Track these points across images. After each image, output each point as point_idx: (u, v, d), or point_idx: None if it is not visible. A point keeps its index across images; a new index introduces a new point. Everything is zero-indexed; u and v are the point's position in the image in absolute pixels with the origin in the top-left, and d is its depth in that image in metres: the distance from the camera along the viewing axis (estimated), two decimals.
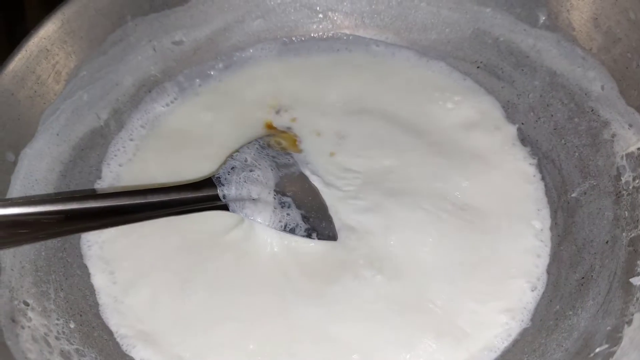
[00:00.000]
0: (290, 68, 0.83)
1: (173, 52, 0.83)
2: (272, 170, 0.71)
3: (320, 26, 0.86)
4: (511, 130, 0.76)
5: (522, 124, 0.76)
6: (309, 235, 0.67)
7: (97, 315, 0.64)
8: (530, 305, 0.62)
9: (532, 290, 0.63)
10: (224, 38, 0.85)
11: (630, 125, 0.64)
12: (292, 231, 0.67)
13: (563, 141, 0.72)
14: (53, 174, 0.70)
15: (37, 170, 0.68)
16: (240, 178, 0.69)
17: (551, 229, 0.68)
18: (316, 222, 0.68)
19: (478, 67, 0.81)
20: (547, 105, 0.75)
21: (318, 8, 0.85)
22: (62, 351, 0.57)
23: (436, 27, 0.83)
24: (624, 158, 0.64)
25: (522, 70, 0.77)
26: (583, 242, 0.64)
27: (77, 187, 0.72)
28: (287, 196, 0.69)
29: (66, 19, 0.71)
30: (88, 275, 0.67)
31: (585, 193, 0.67)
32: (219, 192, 0.67)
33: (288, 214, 0.68)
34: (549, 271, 0.65)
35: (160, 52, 0.82)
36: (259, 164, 0.71)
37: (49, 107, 0.70)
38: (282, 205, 0.68)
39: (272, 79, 0.82)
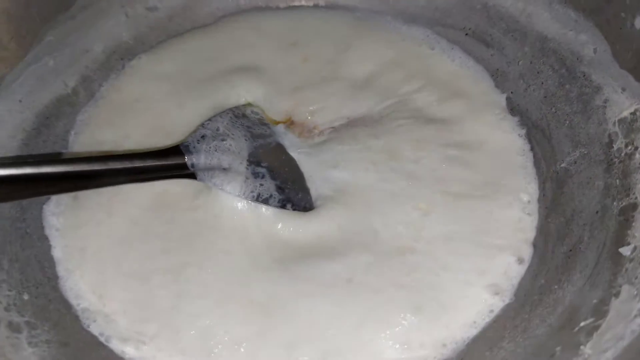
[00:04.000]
0: (268, 35, 0.79)
1: (147, 18, 0.79)
2: (246, 140, 0.67)
3: None
4: (500, 99, 0.72)
5: (512, 92, 0.72)
6: (283, 206, 0.63)
7: (55, 288, 0.60)
8: (515, 280, 0.58)
9: (519, 264, 0.59)
10: (201, 4, 0.81)
11: (624, 89, 0.60)
12: (266, 201, 0.63)
13: (553, 109, 0.68)
14: (14, 142, 0.66)
15: None
16: (210, 147, 0.65)
17: (539, 200, 0.64)
18: (292, 193, 0.65)
19: (467, 35, 0.77)
20: (538, 72, 0.71)
21: None
22: (11, 323, 0.54)
23: None
24: (616, 124, 0.60)
25: (512, 35, 0.73)
26: (572, 213, 0.60)
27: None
28: (262, 167, 0.66)
29: None
30: (49, 247, 0.63)
31: (575, 162, 0.63)
32: (187, 160, 0.64)
33: (261, 184, 0.64)
34: (535, 244, 0.61)
35: (133, 18, 0.78)
36: (232, 134, 0.67)
37: (11, 72, 0.67)
38: (256, 175, 0.64)
39: (249, 46, 0.78)
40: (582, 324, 0.49)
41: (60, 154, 0.70)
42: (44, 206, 0.65)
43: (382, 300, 0.57)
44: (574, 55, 0.67)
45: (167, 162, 0.63)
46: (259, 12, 0.81)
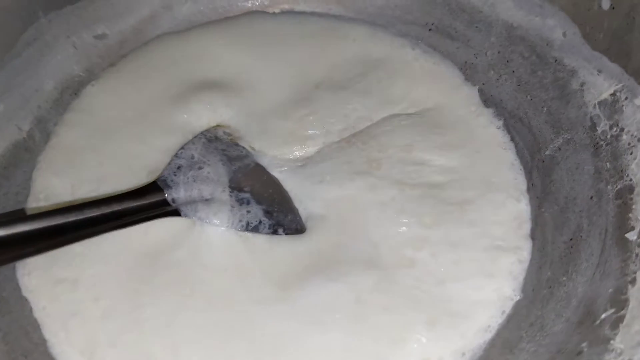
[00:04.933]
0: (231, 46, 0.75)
1: (96, 47, 0.75)
2: (223, 164, 0.64)
3: (257, 3, 0.79)
4: (472, 92, 0.71)
5: (483, 84, 0.72)
6: (274, 232, 0.60)
7: (46, 353, 0.56)
8: (520, 276, 0.58)
9: (521, 260, 0.59)
10: (153, 26, 0.77)
11: (599, 71, 0.60)
12: (256, 229, 0.60)
13: (529, 97, 0.68)
14: None
15: None
16: (188, 178, 0.62)
17: (528, 191, 0.63)
18: (280, 216, 0.62)
19: (430, 30, 0.76)
20: (507, 61, 0.70)
21: None
22: None
23: None
24: (597, 107, 0.60)
25: (477, 27, 0.73)
26: (565, 200, 0.60)
27: (4, 210, 0.64)
28: (245, 191, 0.63)
29: None
30: (29, 309, 0.58)
31: (560, 149, 0.63)
32: (167, 196, 0.60)
33: (248, 211, 0.61)
34: (532, 236, 0.61)
35: (82, 49, 0.73)
36: (208, 160, 0.64)
37: None
38: (240, 202, 0.62)
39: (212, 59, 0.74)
40: (603, 316, 0.48)
41: (22, 209, 0.65)
42: (16, 265, 0.60)
43: (394, 318, 0.55)
44: (543, 40, 0.66)
45: (147, 201, 0.59)
46: (217, 25, 0.78)
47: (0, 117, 0.65)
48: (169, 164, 0.63)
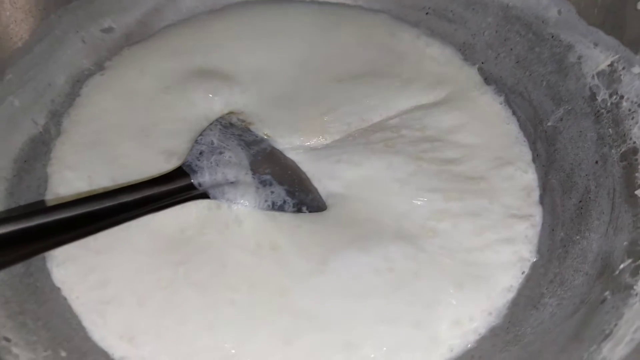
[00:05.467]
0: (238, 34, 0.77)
1: (104, 41, 0.75)
2: (242, 149, 0.66)
3: None
4: (472, 72, 0.74)
5: (482, 63, 0.75)
6: (299, 210, 0.63)
7: (86, 339, 0.57)
8: (534, 239, 0.62)
9: (533, 225, 0.62)
10: (158, 18, 0.78)
11: (596, 44, 0.64)
12: (282, 208, 0.62)
13: (528, 72, 0.72)
14: None
15: None
16: (211, 162, 0.63)
17: (534, 160, 0.67)
18: (302, 195, 0.64)
19: (427, 14, 0.79)
20: (505, 39, 0.74)
21: None
22: None
23: None
24: (596, 77, 0.64)
25: (473, 9, 0.76)
26: (571, 167, 0.64)
27: (27, 202, 0.64)
28: (266, 174, 0.65)
29: None
30: (64, 298, 0.59)
31: (561, 119, 0.67)
32: (193, 180, 0.62)
33: (272, 192, 0.63)
34: (542, 202, 0.64)
35: (90, 43, 0.74)
36: (227, 145, 0.66)
37: None
38: (264, 183, 0.64)
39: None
40: (621, 266, 0.52)
41: (43, 201, 0.65)
42: (46, 256, 0.61)
43: (425, 283, 0.58)
44: (539, 19, 0.70)
45: (175, 186, 0.60)
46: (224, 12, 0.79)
47: (17, 111, 0.66)
48: (191, 150, 0.64)
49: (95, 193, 0.58)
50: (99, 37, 0.75)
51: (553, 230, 0.62)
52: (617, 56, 0.62)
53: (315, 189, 0.65)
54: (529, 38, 0.71)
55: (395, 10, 0.80)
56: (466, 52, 0.77)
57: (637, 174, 0.57)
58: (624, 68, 0.61)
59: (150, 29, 0.78)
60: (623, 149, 0.60)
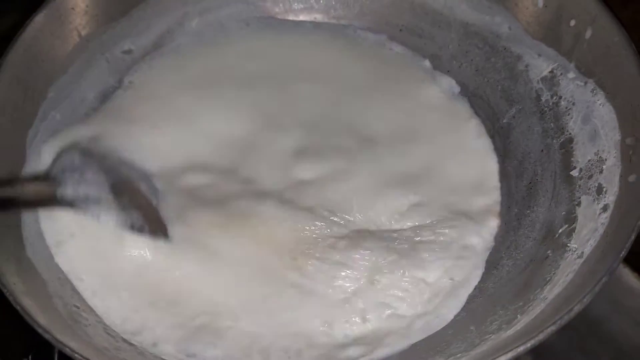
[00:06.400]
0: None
1: (124, 61, 0.87)
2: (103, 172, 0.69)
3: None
4: (442, 78, 0.88)
5: (448, 71, 0.89)
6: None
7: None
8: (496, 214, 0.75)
9: (495, 204, 0.75)
10: (169, 40, 0.90)
11: (539, 55, 0.78)
12: (141, 229, 0.66)
13: (486, 79, 0.85)
14: None
15: None
16: (75, 178, 0.66)
17: (494, 151, 0.81)
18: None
19: (401, 30, 0.92)
20: (466, 52, 0.87)
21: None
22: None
23: (358, 1, 0.93)
24: (540, 82, 0.78)
25: (439, 26, 0.88)
26: (522, 155, 0.77)
27: None
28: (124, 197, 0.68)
29: (27, 45, 0.74)
30: None
31: (514, 117, 0.81)
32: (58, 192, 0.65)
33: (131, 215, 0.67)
34: (500, 186, 0.78)
35: (114, 63, 0.86)
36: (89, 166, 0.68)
37: (31, 130, 0.73)
38: (123, 206, 0.67)
39: None
40: (559, 230, 0.66)
41: None
42: None
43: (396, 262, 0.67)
44: (493, 34, 0.83)
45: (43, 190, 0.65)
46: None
47: (59, 124, 0.78)
48: (54, 162, 0.70)
49: None
50: (120, 57, 0.87)
51: (509, 207, 0.75)
52: (556, 64, 0.76)
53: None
54: (486, 50, 0.85)
55: (374, 27, 0.93)
56: (434, 62, 0.90)
57: (572, 159, 0.71)
58: (561, 74, 0.75)
59: (163, 49, 0.90)
60: (562, 139, 0.74)
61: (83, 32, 0.82)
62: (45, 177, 0.66)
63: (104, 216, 0.66)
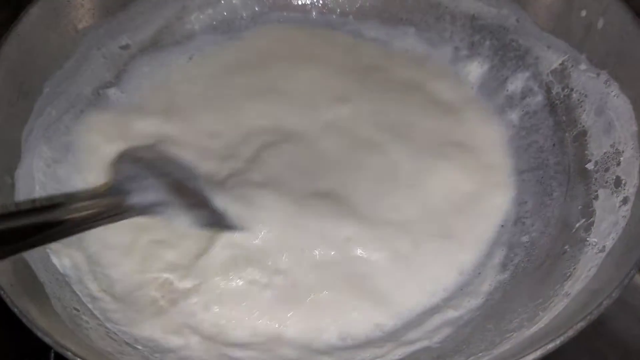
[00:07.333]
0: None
1: (121, 56, 0.85)
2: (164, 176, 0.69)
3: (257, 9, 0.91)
4: (453, 67, 0.86)
5: (455, 66, 0.87)
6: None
7: None
8: (506, 208, 0.73)
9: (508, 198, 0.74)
10: (167, 35, 0.88)
11: (549, 47, 0.77)
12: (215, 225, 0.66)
13: (493, 73, 0.83)
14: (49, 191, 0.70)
15: (33, 190, 0.69)
16: (140, 185, 0.66)
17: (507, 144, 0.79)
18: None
19: (404, 24, 0.91)
20: (472, 45, 0.86)
21: None
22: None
23: None
24: (550, 75, 0.77)
25: (444, 19, 0.87)
26: (534, 150, 0.76)
27: None
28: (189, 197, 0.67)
29: (21, 38, 0.71)
30: None
31: (524, 111, 0.79)
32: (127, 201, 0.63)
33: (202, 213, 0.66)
34: (513, 180, 0.76)
35: (110, 59, 0.83)
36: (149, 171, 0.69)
37: (26, 127, 0.71)
38: (190, 206, 0.66)
39: None
40: (577, 225, 0.64)
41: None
42: None
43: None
44: (501, 27, 0.82)
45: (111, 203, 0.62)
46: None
47: (54, 120, 0.75)
48: (116, 172, 0.70)
49: None
50: (117, 53, 0.84)
51: (522, 203, 0.73)
52: (566, 56, 0.75)
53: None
54: (493, 43, 0.83)
55: (377, 21, 0.91)
56: (441, 57, 0.88)
57: (586, 152, 0.69)
58: (572, 66, 0.74)
59: (161, 44, 0.87)
60: (575, 132, 0.72)
61: (79, 26, 0.79)
62: (107, 192, 0.65)
63: (175, 218, 0.65)
